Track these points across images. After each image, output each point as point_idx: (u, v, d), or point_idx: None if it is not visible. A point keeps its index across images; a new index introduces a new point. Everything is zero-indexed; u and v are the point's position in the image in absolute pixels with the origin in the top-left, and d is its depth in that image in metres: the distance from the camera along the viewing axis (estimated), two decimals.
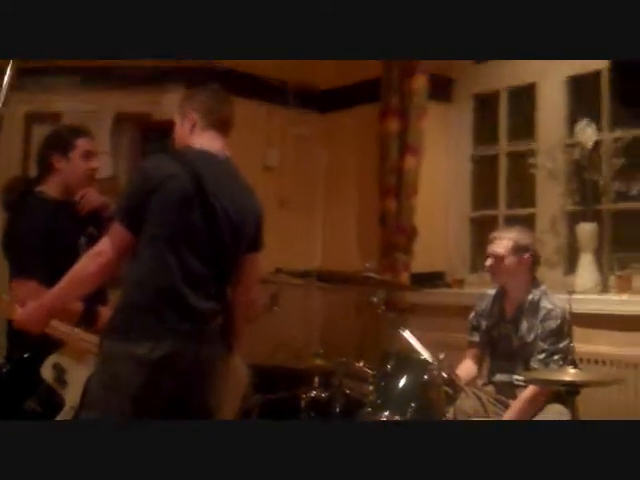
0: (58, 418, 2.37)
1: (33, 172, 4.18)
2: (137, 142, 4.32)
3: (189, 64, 3.95)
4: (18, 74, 1.72)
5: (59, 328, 2.43)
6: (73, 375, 2.35)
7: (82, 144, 2.80)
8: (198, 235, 2.26)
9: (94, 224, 2.81)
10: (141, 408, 2.14)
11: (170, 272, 2.21)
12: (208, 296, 2.28)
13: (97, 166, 2.85)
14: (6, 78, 1.66)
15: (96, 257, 2.26)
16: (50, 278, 2.39)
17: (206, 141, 2.39)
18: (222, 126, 2.43)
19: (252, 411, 3.15)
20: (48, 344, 2.44)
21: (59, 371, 2.41)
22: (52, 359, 2.44)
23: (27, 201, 2.77)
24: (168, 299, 2.21)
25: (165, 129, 2.70)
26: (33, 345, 2.48)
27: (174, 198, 2.23)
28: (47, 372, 2.42)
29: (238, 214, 2.34)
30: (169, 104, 3.95)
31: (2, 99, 1.66)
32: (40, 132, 4.27)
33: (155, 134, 4.02)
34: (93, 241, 2.48)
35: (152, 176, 2.26)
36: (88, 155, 2.81)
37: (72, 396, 2.40)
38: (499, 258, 3.13)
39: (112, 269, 2.28)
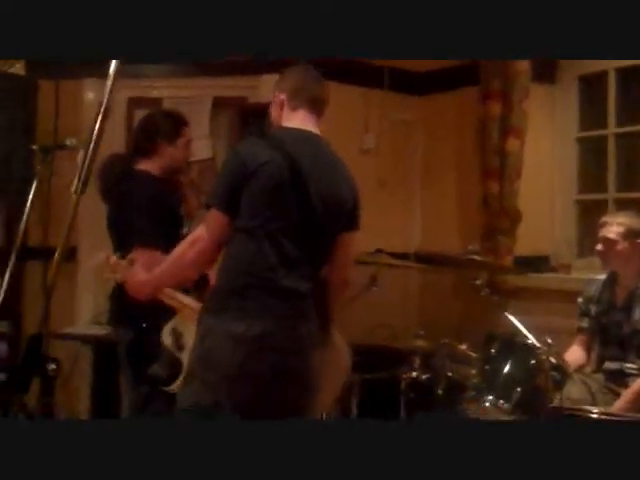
0: (178, 382, 2.43)
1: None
2: (235, 125, 4.37)
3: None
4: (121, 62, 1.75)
5: (171, 296, 2.48)
6: (189, 338, 2.38)
7: (187, 133, 3.07)
8: (292, 218, 2.26)
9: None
10: (238, 386, 2.15)
11: (264, 257, 2.22)
12: (303, 276, 2.28)
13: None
14: (112, 68, 1.68)
15: (194, 243, 2.27)
16: (167, 249, 2.45)
17: (298, 121, 2.38)
18: (313, 105, 2.40)
19: (352, 390, 3.14)
20: (165, 310, 2.52)
21: (177, 335, 2.47)
22: (170, 324, 2.50)
23: (135, 177, 2.91)
24: (262, 282, 2.22)
25: (262, 112, 2.77)
26: (151, 312, 2.56)
27: (269, 184, 2.22)
28: (166, 338, 2.48)
29: (333, 194, 2.31)
30: (265, 88, 3.97)
31: (109, 90, 1.68)
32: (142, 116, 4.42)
33: (252, 117, 4.06)
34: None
35: (247, 163, 2.24)
36: (189, 143, 3.09)
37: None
38: (610, 243, 3.04)
39: (211, 254, 2.29)
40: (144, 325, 2.62)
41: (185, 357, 2.42)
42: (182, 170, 3.15)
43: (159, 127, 3.02)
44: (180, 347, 2.45)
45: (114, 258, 2.49)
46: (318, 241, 2.32)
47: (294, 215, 2.25)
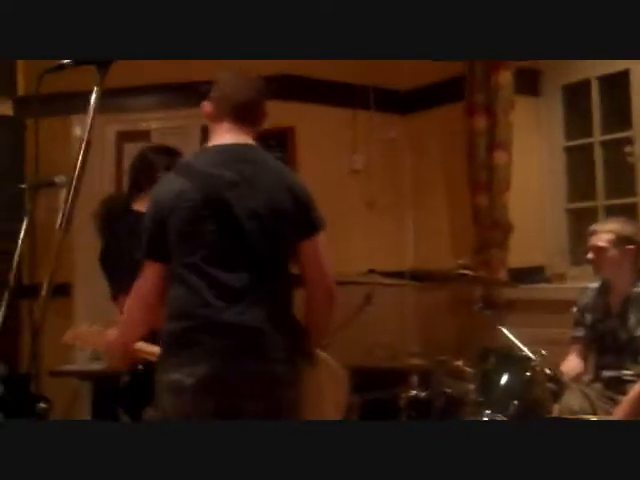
0: None
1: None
2: None
3: (268, 74, 4.00)
4: (106, 96, 1.78)
5: (142, 349, 2.39)
6: None
7: (165, 164, 2.89)
8: (219, 246, 2.10)
9: None
10: None
11: (195, 294, 2.08)
12: (251, 307, 2.08)
13: None
14: (92, 102, 1.69)
15: (135, 297, 2.20)
16: None
17: (222, 134, 2.20)
18: (239, 113, 2.19)
19: (352, 412, 3.13)
20: None
21: None
22: None
23: (127, 218, 2.89)
24: (198, 322, 2.07)
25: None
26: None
27: (186, 217, 2.10)
28: None
29: (266, 206, 2.11)
30: None
31: (89, 124, 1.70)
32: (131, 150, 4.44)
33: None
34: None
35: (161, 203, 2.14)
36: None
37: None
38: (601, 251, 3.04)
39: (153, 305, 2.20)
40: (140, 367, 2.59)
41: None
42: None
43: (154, 163, 2.96)
44: None
45: (82, 330, 2.50)
46: (259, 263, 2.12)
47: (220, 241, 2.09)
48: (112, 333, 2.33)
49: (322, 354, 2.40)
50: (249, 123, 2.23)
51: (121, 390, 2.81)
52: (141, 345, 2.36)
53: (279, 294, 2.17)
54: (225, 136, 2.20)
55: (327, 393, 2.39)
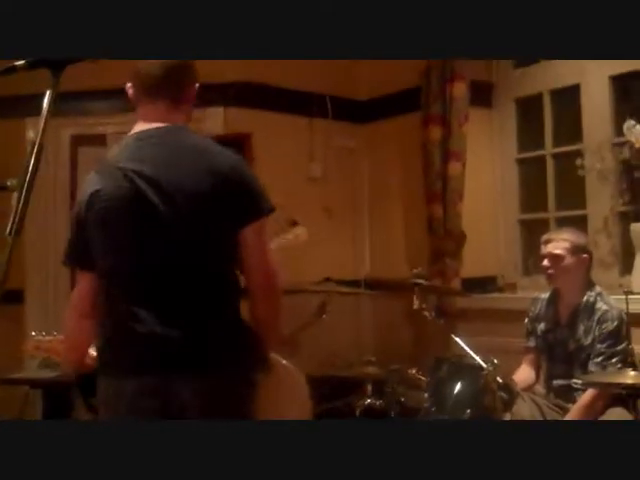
0: None
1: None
2: None
3: (227, 81, 4.00)
4: (60, 99, 1.75)
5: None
6: None
7: None
8: (138, 246, 1.88)
9: None
10: None
11: (117, 301, 1.90)
12: (179, 316, 1.85)
13: None
14: (45, 105, 1.67)
15: (71, 307, 2.06)
16: None
17: (144, 116, 1.98)
18: (151, 90, 1.95)
19: None
20: None
21: None
22: None
23: None
24: (116, 335, 1.90)
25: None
26: None
27: (100, 218, 1.92)
28: None
29: (191, 194, 1.85)
30: (211, 120, 4.00)
31: (41, 127, 1.67)
32: (85, 154, 4.39)
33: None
34: None
35: (81, 206, 1.97)
36: None
37: None
38: (557, 259, 3.06)
39: (85, 316, 2.01)
40: None
41: None
42: None
43: None
44: None
45: (43, 339, 2.42)
46: (189, 264, 1.88)
47: (138, 242, 1.88)
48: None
49: (275, 357, 2.30)
50: (170, 100, 1.97)
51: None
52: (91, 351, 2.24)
53: (217, 295, 1.91)
54: (145, 120, 1.97)
55: (288, 403, 2.35)
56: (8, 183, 2.28)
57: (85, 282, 2.02)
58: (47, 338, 2.40)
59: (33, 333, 2.45)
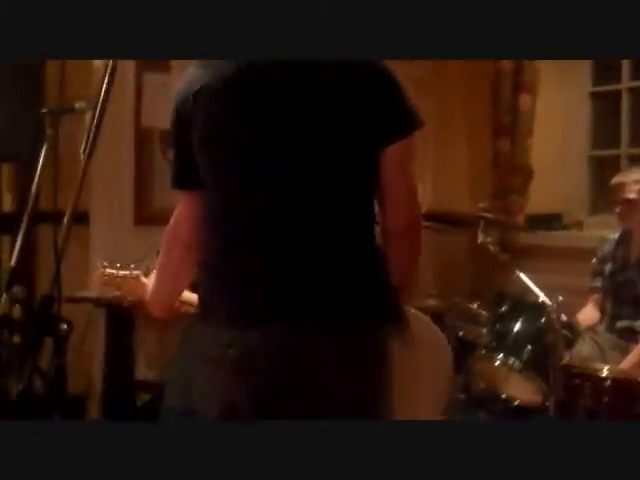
0: None
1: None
2: None
3: None
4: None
5: (189, 301, 1.92)
6: None
7: None
8: (257, 164, 1.49)
9: None
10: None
11: (216, 235, 1.53)
12: (309, 257, 1.47)
13: None
14: None
15: (172, 239, 1.64)
16: None
17: None
18: None
19: None
20: None
21: None
22: None
23: None
24: (235, 273, 1.51)
25: None
26: None
27: (206, 124, 1.50)
28: None
29: (327, 98, 1.46)
30: None
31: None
32: (151, 80, 4.39)
33: None
34: None
35: (177, 105, 1.54)
36: None
37: None
38: (632, 203, 3.00)
39: (192, 244, 1.61)
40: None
41: None
42: None
43: None
44: None
45: (114, 273, 2.06)
46: (318, 189, 1.48)
47: (258, 157, 1.48)
48: (150, 282, 1.80)
49: (415, 312, 2.04)
50: None
51: None
52: (185, 296, 1.86)
53: (352, 236, 1.52)
54: None
55: (427, 368, 2.13)
56: (76, 105, 2.29)
57: (192, 206, 1.59)
58: (120, 273, 2.05)
59: (105, 263, 2.09)
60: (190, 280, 1.72)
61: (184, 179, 1.59)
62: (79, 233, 3.95)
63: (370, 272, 1.52)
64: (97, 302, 3.98)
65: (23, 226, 2.06)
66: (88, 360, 4.17)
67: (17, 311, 3.68)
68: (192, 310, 1.75)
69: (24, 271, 3.76)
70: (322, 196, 1.49)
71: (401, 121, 1.52)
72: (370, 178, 1.52)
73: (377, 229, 1.56)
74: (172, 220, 1.64)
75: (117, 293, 2.08)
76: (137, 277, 2.02)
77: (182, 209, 1.62)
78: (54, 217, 1.83)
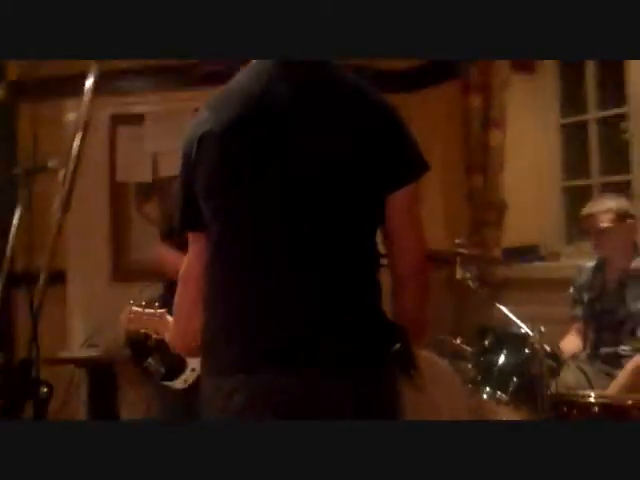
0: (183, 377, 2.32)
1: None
2: None
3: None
4: (100, 78, 1.74)
5: None
6: None
7: None
8: (271, 207, 1.48)
9: None
10: None
11: (236, 282, 1.51)
12: (315, 300, 1.47)
13: None
14: (88, 84, 1.67)
15: (183, 282, 1.64)
16: None
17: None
18: None
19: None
20: None
21: None
22: None
23: None
24: (240, 320, 1.50)
25: None
26: None
27: (211, 166, 1.49)
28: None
29: (334, 143, 1.46)
30: None
31: (87, 105, 1.68)
32: (124, 133, 4.40)
33: None
34: None
35: (188, 150, 1.53)
36: None
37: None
38: (606, 232, 3.03)
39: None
40: None
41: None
42: None
43: None
44: None
45: (140, 311, 2.11)
46: (323, 244, 1.47)
47: (272, 201, 1.48)
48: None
49: (425, 354, 2.05)
50: None
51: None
52: None
53: (357, 280, 1.51)
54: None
55: (441, 407, 2.12)
56: (49, 164, 2.29)
57: (199, 251, 1.58)
58: (146, 311, 2.08)
59: (131, 301, 2.13)
60: None
61: (193, 221, 1.57)
62: (56, 292, 3.93)
63: (376, 318, 1.52)
64: (78, 362, 3.93)
65: None
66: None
67: None
68: None
69: (2, 335, 3.70)
70: (327, 241, 1.49)
71: (409, 166, 1.54)
72: (375, 222, 1.53)
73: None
74: (185, 261, 1.64)
75: (143, 331, 2.08)
76: (162, 315, 2.04)
77: (193, 249, 1.61)
78: (30, 279, 1.82)
